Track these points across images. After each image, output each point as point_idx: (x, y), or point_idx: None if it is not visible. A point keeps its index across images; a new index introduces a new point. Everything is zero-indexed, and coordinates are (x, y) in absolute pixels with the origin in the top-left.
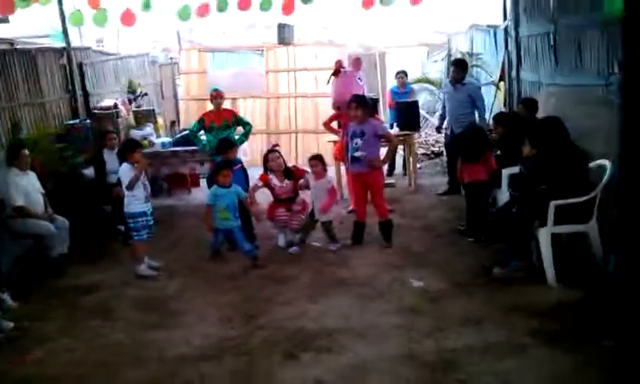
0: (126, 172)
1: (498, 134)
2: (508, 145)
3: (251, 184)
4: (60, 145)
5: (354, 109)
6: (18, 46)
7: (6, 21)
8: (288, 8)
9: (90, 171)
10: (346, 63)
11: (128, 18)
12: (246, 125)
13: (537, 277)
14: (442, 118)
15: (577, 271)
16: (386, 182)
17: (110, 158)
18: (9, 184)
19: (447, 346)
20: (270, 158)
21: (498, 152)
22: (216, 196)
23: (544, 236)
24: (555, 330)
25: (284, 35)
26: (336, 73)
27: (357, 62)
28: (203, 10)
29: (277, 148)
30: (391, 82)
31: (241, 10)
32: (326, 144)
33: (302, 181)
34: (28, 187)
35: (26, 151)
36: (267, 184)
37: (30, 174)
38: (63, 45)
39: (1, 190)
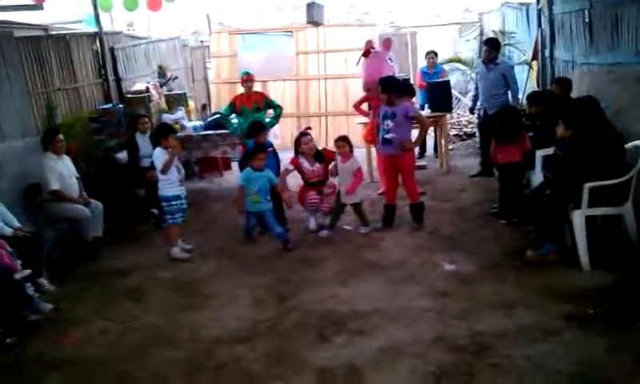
0: (159, 156)
1: (532, 114)
2: (542, 125)
3: (282, 167)
4: (94, 128)
5: (380, 92)
6: (53, 32)
7: (40, 7)
8: None
9: (123, 155)
10: (376, 44)
11: (154, 3)
12: (277, 107)
13: (570, 260)
14: (475, 98)
15: (611, 254)
16: (418, 164)
17: (142, 141)
18: (44, 168)
19: (479, 330)
20: (302, 141)
21: (532, 133)
22: (248, 179)
23: (578, 218)
24: (589, 313)
25: (313, 15)
26: (366, 53)
27: (387, 42)
28: None
29: (309, 131)
30: (422, 62)
31: None
32: (356, 126)
33: (331, 166)
34: (63, 171)
35: (61, 136)
36: (298, 167)
37: (65, 158)
38: (95, 30)
39: (37, 174)
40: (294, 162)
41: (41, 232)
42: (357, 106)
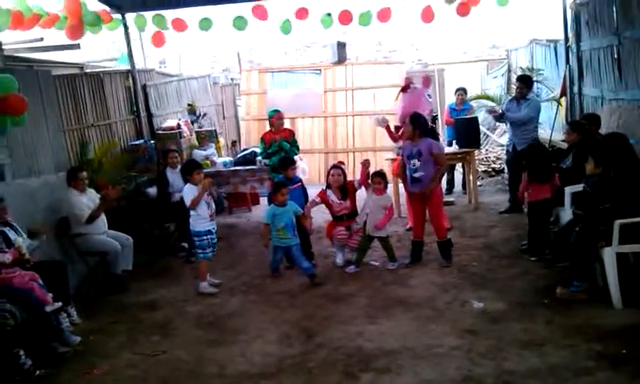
0: (188, 192)
1: (570, 141)
2: (573, 160)
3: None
4: (125, 164)
5: (407, 125)
6: (87, 70)
7: (77, 47)
8: (346, 19)
9: (153, 190)
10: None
11: (158, 39)
12: (294, 143)
13: (601, 298)
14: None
15: None
16: (445, 199)
17: (173, 176)
18: (71, 203)
19: (508, 369)
20: (331, 173)
21: (569, 161)
22: (274, 215)
23: (609, 256)
24: (621, 353)
25: (340, 53)
26: (404, 89)
27: (427, 79)
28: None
29: (341, 165)
30: (450, 98)
31: (300, 19)
32: (384, 161)
33: (354, 184)
34: (90, 205)
35: (84, 173)
36: (325, 201)
37: (90, 193)
38: (128, 68)
39: (65, 209)
40: (321, 195)
41: (71, 264)
42: (395, 137)
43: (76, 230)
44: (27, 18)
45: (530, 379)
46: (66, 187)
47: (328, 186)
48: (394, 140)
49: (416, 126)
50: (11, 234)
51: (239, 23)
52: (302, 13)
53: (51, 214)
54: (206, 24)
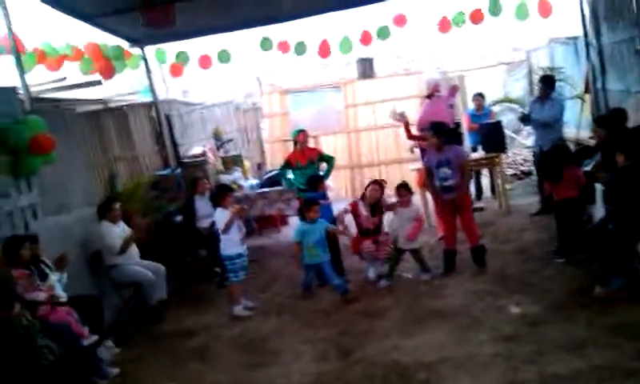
0: (220, 217)
1: (598, 138)
2: (607, 150)
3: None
4: (153, 194)
5: (431, 136)
6: (111, 105)
7: (98, 83)
8: (366, 40)
9: (182, 218)
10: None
11: (176, 70)
12: (330, 159)
13: None
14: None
15: None
16: (475, 206)
17: (201, 203)
18: (104, 236)
19: (552, 372)
20: (371, 187)
21: (599, 158)
22: (303, 233)
23: None
24: None
25: (365, 69)
26: (430, 96)
27: (454, 89)
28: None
29: (382, 183)
30: (472, 105)
31: (322, 57)
32: (409, 172)
33: (384, 204)
34: (122, 236)
35: (117, 204)
36: (355, 211)
37: (121, 225)
38: (151, 99)
39: (97, 243)
40: (353, 205)
41: (105, 297)
42: (411, 136)
43: (109, 261)
44: (54, 59)
45: (574, 382)
46: (97, 221)
47: (362, 198)
48: (410, 138)
49: (440, 136)
50: (47, 272)
51: (266, 45)
52: (324, 50)
53: (84, 248)
54: (224, 56)
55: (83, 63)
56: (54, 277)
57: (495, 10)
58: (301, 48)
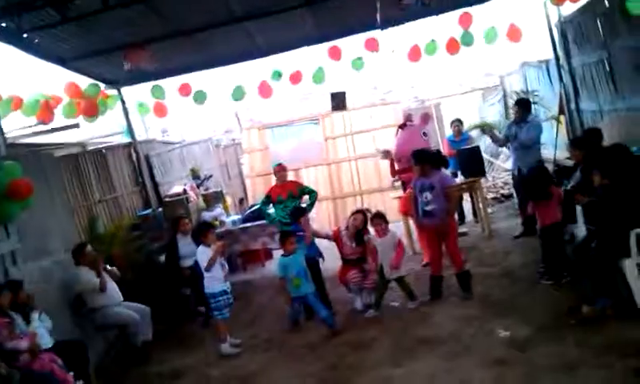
0: (202, 254)
1: (575, 159)
2: (586, 170)
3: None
4: (135, 234)
5: (414, 164)
6: (89, 148)
7: (76, 126)
8: (336, 55)
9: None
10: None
11: (161, 111)
12: (312, 193)
13: (629, 312)
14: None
15: None
16: (459, 231)
17: (183, 242)
18: (81, 279)
19: None
20: (354, 216)
21: (578, 176)
22: (285, 266)
23: (629, 268)
24: None
25: (337, 102)
26: (403, 126)
27: (425, 116)
28: (265, 93)
29: (366, 212)
30: (449, 131)
31: (294, 83)
32: (391, 201)
33: (371, 246)
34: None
35: (89, 247)
36: (337, 239)
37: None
38: (129, 140)
39: (77, 287)
40: (335, 233)
41: (90, 341)
42: (394, 172)
43: (92, 304)
44: (40, 108)
45: None
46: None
47: (346, 227)
48: (393, 174)
49: (424, 161)
50: (36, 319)
51: (237, 94)
52: (296, 78)
53: (66, 292)
54: (200, 96)
55: (67, 107)
56: (36, 324)
57: (468, 40)
58: (277, 75)
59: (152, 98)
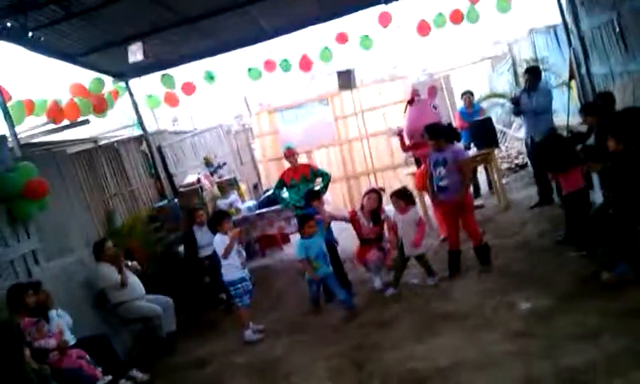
0: (219, 242)
1: (588, 124)
2: (600, 135)
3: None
4: (153, 226)
5: (428, 139)
6: (102, 143)
7: (86, 122)
8: (342, 39)
9: (182, 248)
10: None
11: (172, 100)
12: (325, 175)
13: None
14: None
15: None
16: (475, 204)
17: (201, 233)
18: (103, 276)
19: (567, 365)
20: (367, 196)
21: (592, 142)
22: (306, 248)
23: None
24: None
25: (345, 81)
26: (411, 101)
27: (432, 90)
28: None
29: (380, 191)
30: (459, 104)
31: (305, 71)
32: (405, 177)
33: (387, 221)
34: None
35: (109, 243)
36: (354, 220)
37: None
38: (141, 133)
39: (102, 281)
40: (352, 214)
41: (116, 335)
42: (406, 148)
43: (115, 300)
44: (49, 110)
45: (591, 372)
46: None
47: (361, 208)
48: (405, 150)
49: (438, 135)
50: (55, 317)
51: (254, 74)
52: (305, 64)
53: (89, 288)
54: (209, 77)
55: (81, 104)
56: (60, 320)
57: (473, 16)
58: (286, 65)
59: (162, 88)
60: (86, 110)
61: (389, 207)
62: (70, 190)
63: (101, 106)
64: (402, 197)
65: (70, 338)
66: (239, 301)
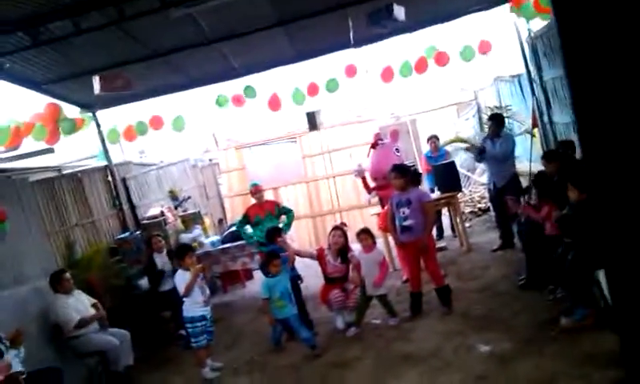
0: (180, 280)
1: (550, 172)
2: (562, 182)
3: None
4: (114, 259)
5: (394, 178)
6: (65, 171)
7: (51, 151)
8: (313, 91)
9: (144, 281)
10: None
11: (130, 135)
12: (289, 212)
13: (608, 322)
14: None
15: None
16: (437, 246)
17: (161, 260)
18: (59, 309)
19: None
20: (332, 234)
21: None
22: (270, 287)
23: (605, 278)
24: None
25: (314, 121)
26: (374, 145)
27: (394, 133)
28: (238, 102)
29: (344, 227)
30: (425, 148)
31: (273, 110)
32: (369, 218)
33: (355, 262)
34: (78, 306)
35: (67, 274)
36: (321, 257)
37: (77, 293)
38: (105, 163)
39: (56, 316)
40: (320, 251)
41: (71, 368)
42: (369, 189)
43: (69, 333)
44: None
45: None
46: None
47: (329, 246)
48: (369, 191)
49: (406, 173)
50: (3, 348)
51: (221, 101)
52: (275, 103)
53: (43, 319)
54: (179, 123)
55: (37, 131)
56: (11, 353)
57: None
58: (251, 91)
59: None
60: (43, 137)
61: (355, 245)
62: (29, 219)
63: (52, 139)
64: (369, 234)
65: (22, 371)
66: (194, 341)
